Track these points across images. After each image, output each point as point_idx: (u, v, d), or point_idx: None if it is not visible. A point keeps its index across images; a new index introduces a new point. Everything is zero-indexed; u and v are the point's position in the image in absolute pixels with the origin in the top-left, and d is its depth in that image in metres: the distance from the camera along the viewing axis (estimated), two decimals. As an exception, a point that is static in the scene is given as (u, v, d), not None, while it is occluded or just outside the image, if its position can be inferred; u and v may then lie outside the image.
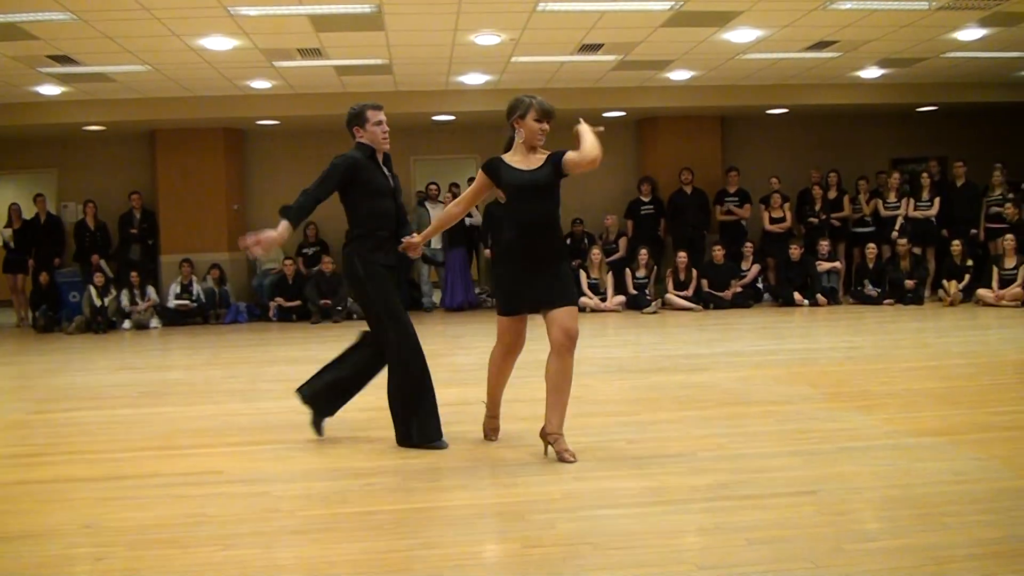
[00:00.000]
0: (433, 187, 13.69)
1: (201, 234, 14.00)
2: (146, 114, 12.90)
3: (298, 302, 13.22)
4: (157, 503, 4.10)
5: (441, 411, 5.10)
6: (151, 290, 13.15)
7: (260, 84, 12.15)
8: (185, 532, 3.68)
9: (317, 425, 5.31)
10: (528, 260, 4.68)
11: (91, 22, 8.70)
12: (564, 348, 4.64)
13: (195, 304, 13.23)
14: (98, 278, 12.69)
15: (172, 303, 13.18)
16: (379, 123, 5.16)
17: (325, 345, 10.21)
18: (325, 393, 5.30)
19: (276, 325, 12.92)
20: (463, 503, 4.03)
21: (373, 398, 5.38)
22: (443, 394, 5.68)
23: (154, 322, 12.93)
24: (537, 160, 4.77)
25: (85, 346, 10.89)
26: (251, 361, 9.22)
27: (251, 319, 13.48)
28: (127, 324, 12.81)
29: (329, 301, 12.94)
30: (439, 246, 13.68)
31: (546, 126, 4.77)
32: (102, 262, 13.46)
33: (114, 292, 12.83)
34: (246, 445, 5.27)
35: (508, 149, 4.85)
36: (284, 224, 4.87)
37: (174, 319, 13.05)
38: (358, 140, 5.21)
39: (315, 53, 10.46)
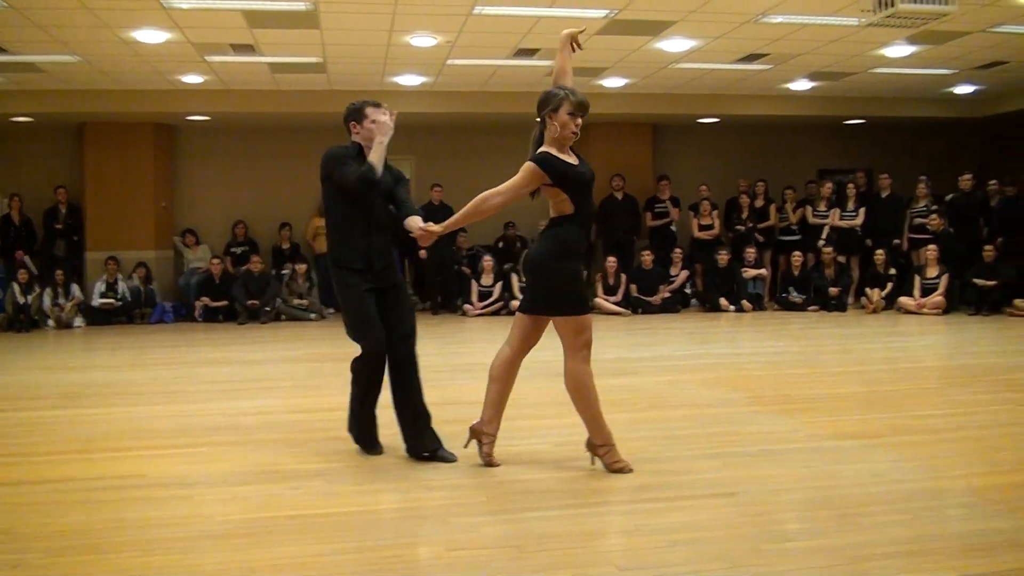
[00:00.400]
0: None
1: (128, 231, 13.73)
2: (75, 106, 12.62)
3: (225, 302, 13.06)
4: (76, 508, 4.01)
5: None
6: (75, 288, 12.86)
7: (192, 79, 11.97)
8: (105, 538, 3.60)
9: (444, 454, 4.78)
10: (584, 257, 4.54)
11: (21, 10, 8.50)
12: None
13: (120, 303, 12.99)
14: (22, 275, 12.38)
15: (97, 302, 12.91)
16: (375, 121, 4.85)
17: (251, 346, 10.13)
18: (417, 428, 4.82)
19: (202, 325, 12.74)
20: (388, 506, 4.02)
21: (295, 400, 5.34)
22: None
23: (78, 321, 12.66)
24: (574, 157, 4.56)
25: (6, 345, 10.63)
26: (176, 362, 9.07)
27: (177, 319, 13.28)
28: (50, 323, 12.52)
29: (256, 302, 12.79)
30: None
31: (579, 121, 4.53)
32: (26, 258, 13.14)
33: (38, 290, 12.53)
34: (169, 448, 5.18)
35: (539, 145, 4.58)
36: (374, 158, 4.69)
37: (98, 318, 12.79)
38: (352, 138, 4.95)
39: (248, 49, 10.35)
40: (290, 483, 4.35)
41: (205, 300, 13.12)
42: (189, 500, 4.10)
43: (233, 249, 13.97)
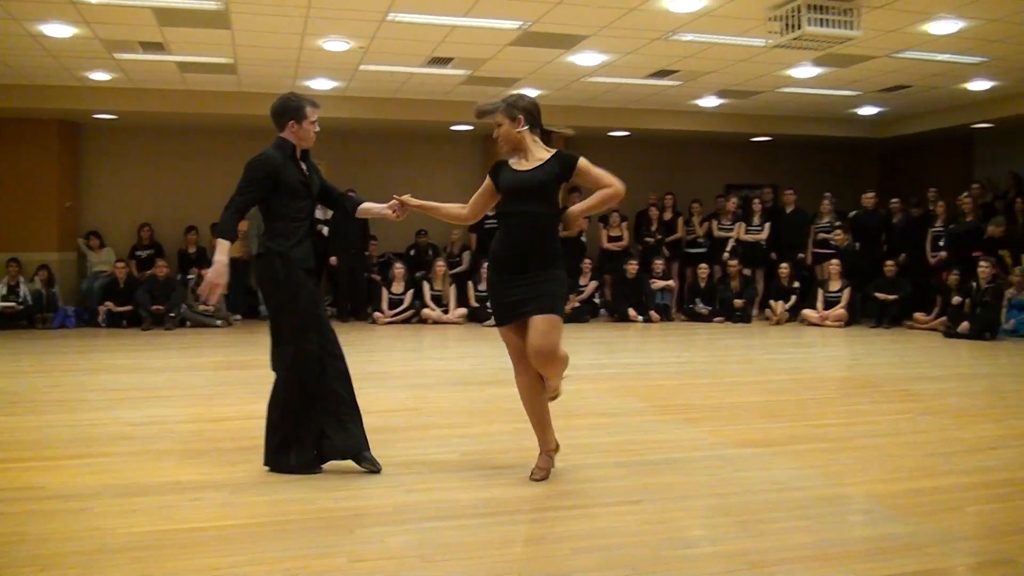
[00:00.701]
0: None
1: (30, 232, 13.33)
2: (-23, 101, 12.24)
3: (129, 307, 12.76)
4: (-31, 520, 3.89)
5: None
6: (-28, 290, 12.46)
7: (99, 76, 11.69)
8: (1, 552, 3.49)
9: (371, 461, 4.67)
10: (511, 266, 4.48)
11: (-81, 1, 8.22)
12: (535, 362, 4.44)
13: (21, 306, 12.58)
14: (-86, 276, 11.94)
15: (-5, 305, 12.51)
16: (314, 122, 4.81)
17: (155, 353, 9.91)
18: (343, 434, 4.67)
19: (105, 331, 12.43)
20: (292, 517, 3.97)
21: (198, 408, 5.24)
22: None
23: (-25, 325, 12.25)
24: (538, 159, 4.55)
25: None
26: (77, 369, 8.84)
27: (80, 324, 12.93)
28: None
29: (161, 307, 12.53)
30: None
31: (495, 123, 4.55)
32: (-79, 259, 12.68)
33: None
34: (69, 458, 5.03)
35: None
36: (222, 245, 4.52)
37: (-3, 322, 12.39)
38: (282, 135, 4.79)
39: (158, 47, 10.16)
40: (192, 494, 4.27)
41: (109, 305, 12.80)
42: (89, 513, 4.00)
43: (138, 252, 13.67)
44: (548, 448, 4.59)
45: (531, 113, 4.59)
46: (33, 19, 9.01)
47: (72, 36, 9.61)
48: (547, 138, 4.70)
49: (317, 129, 4.86)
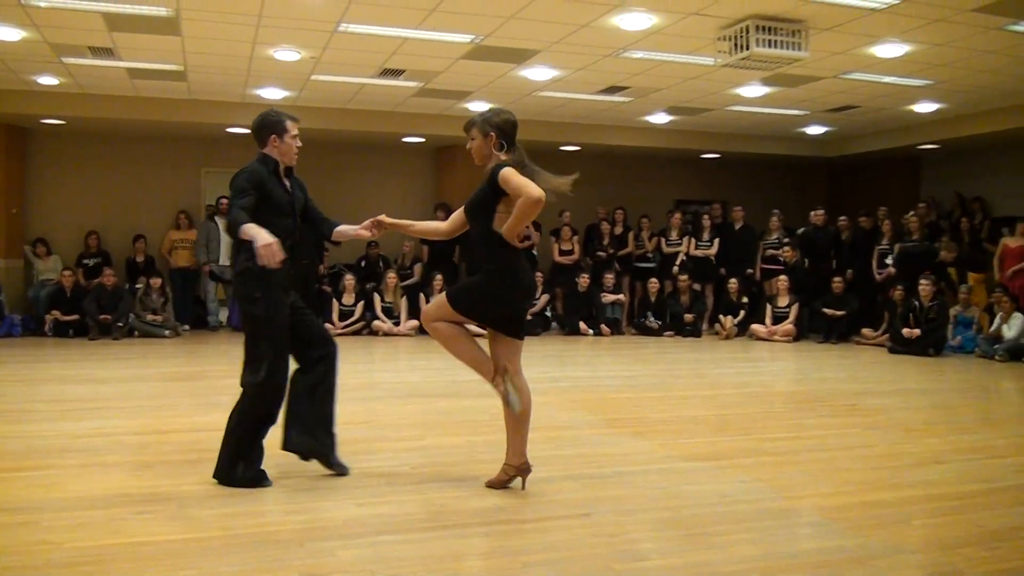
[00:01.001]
0: (224, 201, 13.34)
1: (-26, 238, 13.08)
2: (-81, 102, 12.01)
3: (76, 316, 12.56)
4: (-90, 533, 3.81)
5: (216, 435, 4.89)
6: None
7: (47, 80, 11.52)
8: (-57, 565, 3.45)
9: (337, 465, 4.83)
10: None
11: None
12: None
13: (-37, 315, 12.36)
14: None
15: (-63, 313, 12.25)
16: (295, 136, 4.78)
17: (102, 363, 9.78)
18: (307, 435, 4.79)
19: (52, 340, 12.22)
20: (242, 531, 3.94)
21: (146, 420, 5.18)
22: (219, 418, 5.56)
23: (-85, 333, 11.99)
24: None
25: None
26: (23, 379, 8.68)
27: (25, 333, 12.70)
28: None
29: (109, 317, 12.35)
30: (228, 263, 13.36)
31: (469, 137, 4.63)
32: None
33: None
34: (14, 471, 4.95)
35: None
36: (252, 227, 4.32)
37: (-61, 330, 12.15)
38: (264, 152, 4.73)
39: (107, 52, 10.04)
40: (141, 507, 4.22)
41: (55, 314, 12.59)
42: (35, 526, 3.93)
43: (85, 261, 13.47)
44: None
45: (503, 130, 4.69)
46: (-21, 22, 8.87)
47: (20, 39, 9.46)
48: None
49: (299, 144, 4.82)
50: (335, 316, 13.13)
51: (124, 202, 14.23)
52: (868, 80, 10.89)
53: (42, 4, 8.29)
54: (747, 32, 8.24)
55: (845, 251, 13.86)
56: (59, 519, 4.05)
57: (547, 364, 10.15)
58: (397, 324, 13.11)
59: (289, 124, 4.76)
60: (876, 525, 4.04)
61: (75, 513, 4.14)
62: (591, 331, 13.48)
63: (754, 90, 11.64)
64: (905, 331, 11.49)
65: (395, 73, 10.98)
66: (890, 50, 9.42)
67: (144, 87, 12.00)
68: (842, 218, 14.25)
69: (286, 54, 10.07)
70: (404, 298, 13.38)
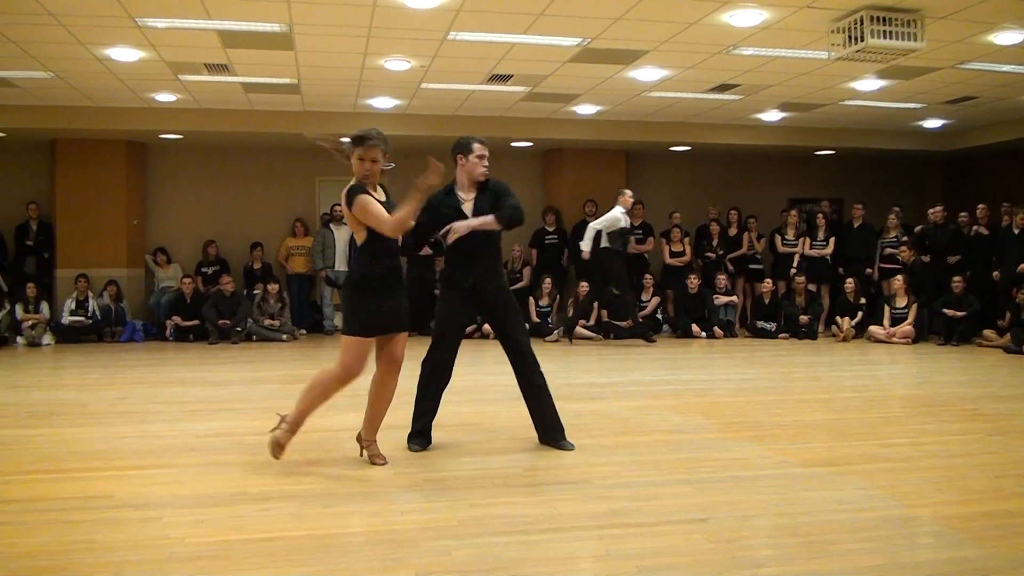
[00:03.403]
0: (338, 208, 13.58)
1: (99, 249, 13.62)
2: (47, 122, 12.55)
3: (196, 322, 12.98)
4: (44, 528, 3.97)
5: (336, 436, 5.07)
6: (44, 305, 12.75)
7: (165, 97, 11.95)
8: (73, 559, 3.57)
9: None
10: None
11: (-7, 25, 8.47)
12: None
13: (90, 321, 12.88)
14: (-9, 292, 12.28)
15: (67, 319, 12.80)
16: (481, 156, 5.52)
17: (221, 367, 10.07)
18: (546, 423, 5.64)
19: (172, 345, 12.65)
20: (358, 529, 4.00)
21: (265, 422, 5.30)
22: (341, 419, 5.66)
23: (47, 339, 12.54)
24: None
25: (-28, 362, 10.50)
26: (145, 382, 8.99)
27: (147, 338, 13.19)
28: (20, 340, 12.40)
29: (228, 322, 12.72)
30: (343, 268, 13.61)
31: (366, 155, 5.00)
32: (-3, 275, 13.04)
33: (8, 306, 12.40)
34: (138, 469, 5.13)
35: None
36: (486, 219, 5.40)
37: (68, 336, 12.68)
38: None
39: (222, 69, 10.35)
40: (259, 505, 4.32)
41: (176, 319, 13.04)
42: (158, 522, 4.07)
43: (204, 269, 13.89)
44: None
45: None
46: (100, 44, 9.22)
47: (139, 60, 9.81)
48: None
49: (486, 164, 5.63)
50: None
51: (240, 211, 14.64)
52: (986, 69, 10.46)
53: (159, 25, 8.57)
54: (861, 23, 8.01)
55: (971, 248, 13.28)
56: (181, 515, 4.17)
57: (659, 367, 10.04)
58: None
59: (475, 145, 5.57)
60: (1000, 536, 3.87)
61: (196, 510, 4.27)
62: (704, 333, 13.29)
63: (869, 84, 11.32)
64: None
65: (503, 79, 11.03)
66: (1009, 37, 9.03)
67: (259, 100, 12.33)
68: (962, 215, 13.73)
69: (396, 64, 10.21)
70: (513, 302, 13.39)
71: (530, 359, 5.59)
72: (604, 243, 12.05)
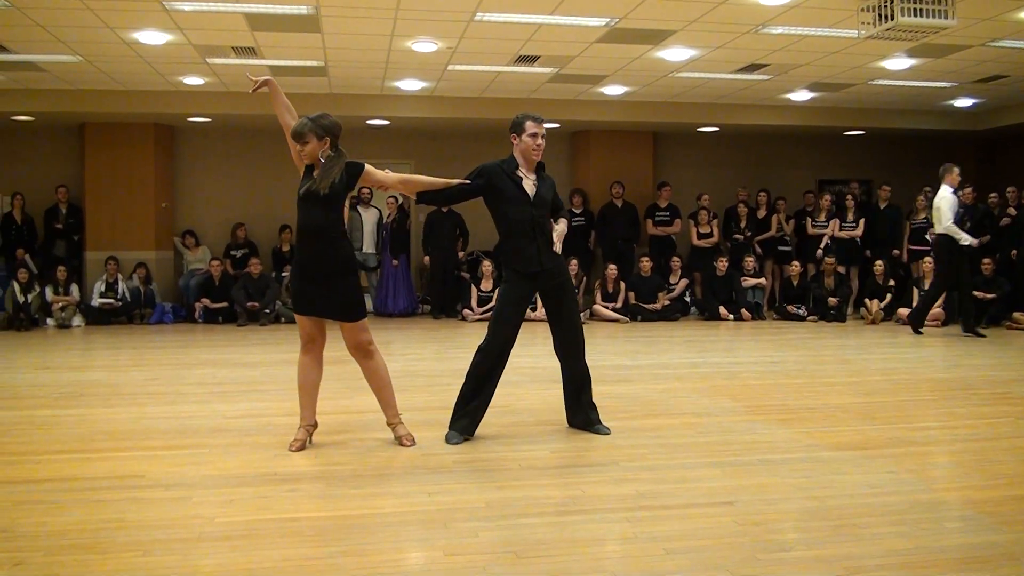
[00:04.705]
0: (365, 191, 13.62)
1: (128, 231, 13.73)
2: (76, 106, 12.62)
3: (224, 304, 13.06)
4: (75, 507, 4.02)
5: (363, 418, 5.09)
6: (74, 288, 12.88)
7: (193, 80, 11.99)
8: (104, 537, 3.62)
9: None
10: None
11: (23, 9, 8.49)
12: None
13: (120, 303, 12.99)
14: (22, 274, 12.39)
15: (96, 301, 12.92)
16: (534, 135, 5.36)
17: (250, 348, 10.13)
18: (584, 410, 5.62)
19: (201, 327, 12.74)
20: (386, 510, 4.02)
21: (293, 403, 5.33)
22: (368, 401, 5.68)
23: (77, 320, 12.67)
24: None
25: (6, 344, 10.62)
26: (174, 363, 9.07)
27: (176, 320, 13.29)
28: (50, 322, 12.53)
29: (256, 304, 12.80)
30: (372, 251, 13.66)
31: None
32: (27, 257, 13.15)
33: (38, 288, 12.54)
34: (167, 449, 5.19)
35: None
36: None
37: (98, 318, 12.80)
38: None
39: (250, 52, 10.37)
40: (289, 486, 4.36)
41: (205, 301, 13.13)
42: (188, 501, 4.11)
43: (233, 252, 13.96)
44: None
45: (334, 134, 5.19)
46: (128, 27, 9.26)
47: (166, 43, 9.85)
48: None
49: (539, 143, 5.42)
50: (474, 302, 13.24)
51: (269, 194, 14.68)
52: (1018, 47, 10.29)
53: (186, 8, 8.60)
54: (891, 1, 7.90)
55: (1003, 230, 13.09)
56: (210, 495, 4.22)
57: (687, 349, 10.02)
58: (534, 310, 13.13)
59: (528, 124, 5.39)
60: (1030, 520, 3.84)
61: (225, 490, 4.31)
62: (731, 316, 13.22)
63: (899, 63, 11.18)
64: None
65: (530, 60, 10.98)
66: (1042, 13, 8.89)
67: (286, 83, 12.21)
68: (992, 195, 13.55)
69: (423, 46, 10.19)
70: (540, 284, 13.38)
71: (582, 346, 5.58)
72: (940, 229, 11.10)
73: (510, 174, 5.37)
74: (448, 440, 5.22)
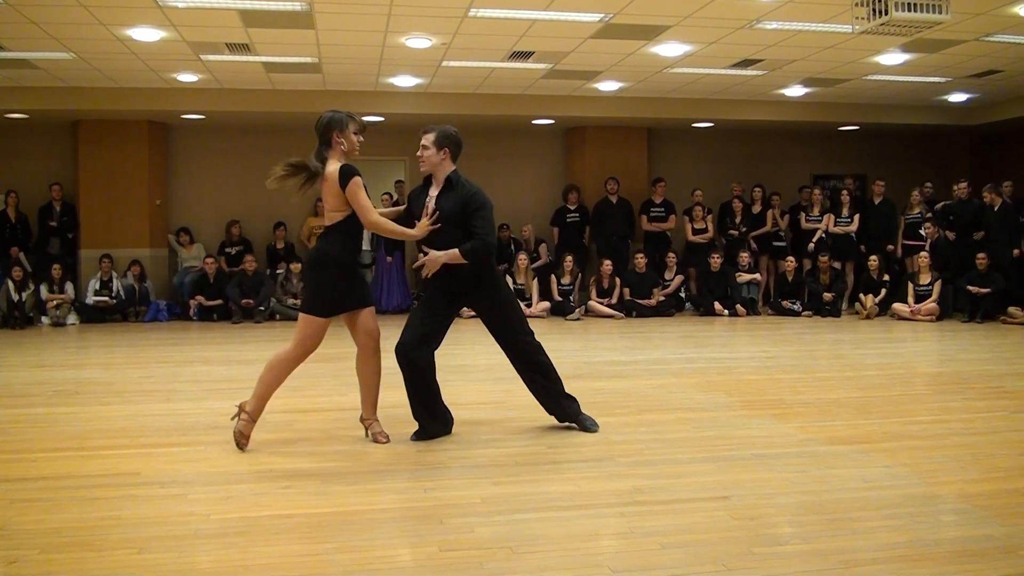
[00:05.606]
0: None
1: (122, 229, 13.71)
2: (70, 103, 12.60)
3: (219, 301, 13.05)
4: (71, 505, 4.01)
5: (357, 415, 5.14)
6: (68, 286, 12.85)
7: (186, 77, 11.96)
8: (99, 535, 3.61)
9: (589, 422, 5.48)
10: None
11: (15, 6, 8.46)
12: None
13: (115, 301, 12.98)
14: (16, 272, 12.37)
15: (91, 299, 12.90)
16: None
17: (245, 346, 10.13)
18: (561, 404, 5.51)
19: (196, 324, 12.73)
20: (381, 506, 4.03)
21: (288, 400, 5.34)
22: (359, 398, 5.66)
23: (72, 318, 12.64)
24: None
25: (0, 342, 10.59)
26: (169, 361, 9.06)
27: (171, 317, 13.28)
28: (45, 320, 12.51)
29: (251, 301, 12.79)
30: (367, 248, 13.65)
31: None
32: (21, 255, 13.11)
33: (32, 287, 12.52)
34: (162, 446, 5.18)
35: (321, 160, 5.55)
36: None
37: (93, 316, 12.79)
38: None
39: (243, 48, 10.34)
40: (284, 482, 4.36)
41: (199, 299, 13.11)
42: (183, 498, 4.11)
43: (227, 249, 13.94)
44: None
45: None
46: (122, 24, 9.24)
47: (160, 40, 9.82)
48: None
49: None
50: (467, 299, 13.21)
51: (263, 191, 14.48)
52: (1012, 42, 10.30)
53: (180, 5, 8.58)
54: (886, -4, 7.91)
55: (994, 225, 13.10)
56: (205, 492, 4.22)
57: (682, 345, 10.02)
58: (529, 306, 13.15)
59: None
60: (1024, 514, 3.85)
61: (221, 487, 4.30)
62: (726, 311, 13.24)
63: (893, 58, 11.19)
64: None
65: (524, 56, 10.98)
66: (1036, 8, 8.90)
67: (280, 80, 12.32)
68: (987, 187, 13.54)
69: (417, 42, 10.18)
70: (535, 280, 13.40)
71: (529, 356, 5.49)
72: None
73: (423, 194, 5.56)
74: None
